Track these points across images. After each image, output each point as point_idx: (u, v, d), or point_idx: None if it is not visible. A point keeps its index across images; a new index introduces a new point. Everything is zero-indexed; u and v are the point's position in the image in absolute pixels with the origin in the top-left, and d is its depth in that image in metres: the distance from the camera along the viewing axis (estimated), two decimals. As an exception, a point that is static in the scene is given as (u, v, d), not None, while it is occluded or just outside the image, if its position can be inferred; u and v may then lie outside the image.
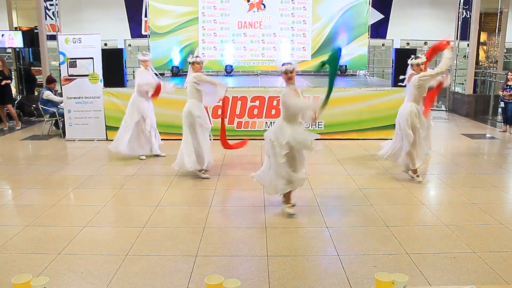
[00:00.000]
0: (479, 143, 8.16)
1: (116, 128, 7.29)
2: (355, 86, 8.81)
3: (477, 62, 12.12)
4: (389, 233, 4.01)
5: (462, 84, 12.28)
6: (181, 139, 8.24)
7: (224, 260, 3.52)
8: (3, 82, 9.27)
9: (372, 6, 12.14)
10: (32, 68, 12.27)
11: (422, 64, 5.45)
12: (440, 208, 4.79)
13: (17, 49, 11.72)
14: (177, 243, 3.84)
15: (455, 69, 12.11)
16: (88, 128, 8.22)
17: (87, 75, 8.02)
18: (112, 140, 7.10)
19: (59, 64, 8.31)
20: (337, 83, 10.08)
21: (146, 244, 3.82)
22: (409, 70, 5.68)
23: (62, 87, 8.34)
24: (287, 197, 4.54)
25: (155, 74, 6.71)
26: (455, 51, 12.13)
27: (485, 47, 15.31)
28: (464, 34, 11.72)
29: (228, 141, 5.94)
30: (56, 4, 10.90)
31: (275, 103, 8.05)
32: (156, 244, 3.84)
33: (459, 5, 11.71)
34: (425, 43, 13.99)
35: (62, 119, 8.48)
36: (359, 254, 3.63)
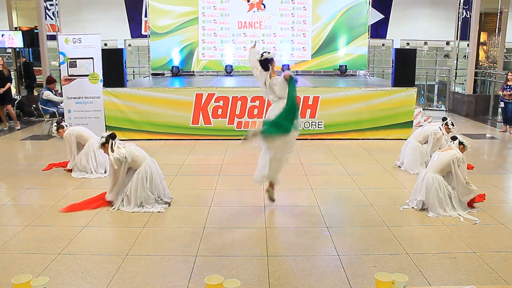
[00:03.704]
0: (479, 143, 8.16)
1: (117, 128, 7.27)
2: (355, 86, 8.81)
3: (476, 62, 12.10)
4: (389, 233, 4.01)
5: (462, 84, 12.28)
6: (180, 139, 8.23)
7: (224, 260, 3.52)
8: (6, 87, 9.24)
9: (372, 6, 12.16)
10: (33, 68, 12.26)
11: None
12: (440, 208, 4.77)
13: (17, 49, 11.71)
14: (177, 243, 3.83)
15: (455, 69, 12.10)
16: (88, 128, 8.18)
17: (87, 75, 8.01)
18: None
19: (59, 64, 8.29)
20: (337, 83, 10.10)
21: (146, 244, 3.82)
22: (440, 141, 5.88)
23: (62, 87, 8.34)
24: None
25: None
26: (455, 51, 12.14)
27: (485, 47, 15.29)
28: (464, 34, 11.71)
29: None
30: (56, 4, 10.91)
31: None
32: (156, 244, 3.84)
33: (459, 5, 11.70)
34: (425, 43, 14.01)
35: (62, 119, 8.47)
36: (359, 254, 3.63)
